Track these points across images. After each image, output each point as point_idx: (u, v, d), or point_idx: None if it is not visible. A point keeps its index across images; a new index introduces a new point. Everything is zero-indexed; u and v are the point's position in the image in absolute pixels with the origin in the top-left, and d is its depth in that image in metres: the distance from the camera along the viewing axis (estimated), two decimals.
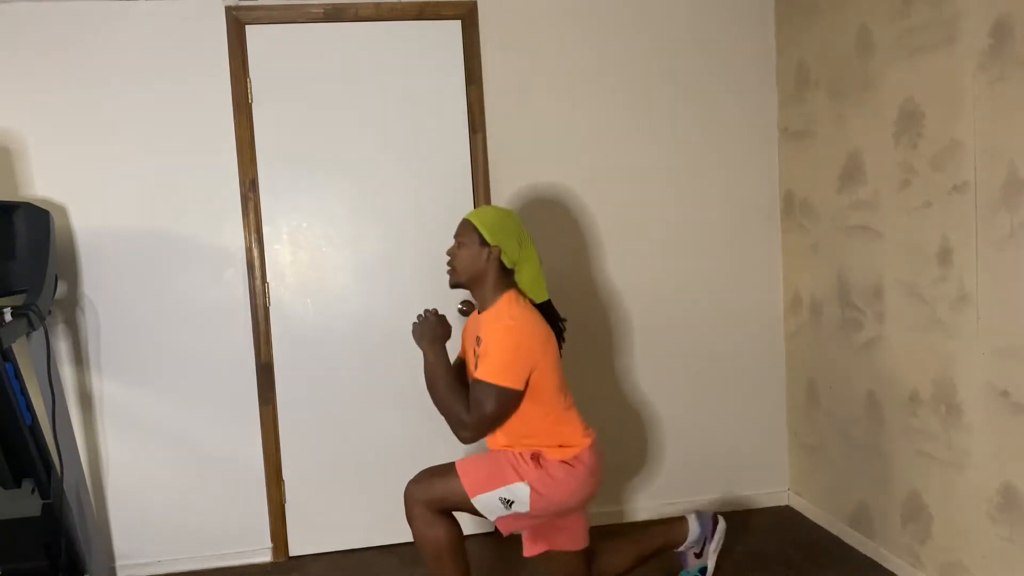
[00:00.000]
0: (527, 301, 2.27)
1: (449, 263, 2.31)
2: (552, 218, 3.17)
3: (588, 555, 2.43)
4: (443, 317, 2.33)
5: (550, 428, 2.24)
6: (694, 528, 2.58)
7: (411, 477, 2.26)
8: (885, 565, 2.76)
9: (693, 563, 2.62)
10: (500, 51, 3.11)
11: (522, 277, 2.29)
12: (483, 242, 2.23)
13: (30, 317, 2.47)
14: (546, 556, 2.40)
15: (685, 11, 3.21)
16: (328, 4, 3.01)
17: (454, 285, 2.32)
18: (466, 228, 2.28)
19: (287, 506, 3.13)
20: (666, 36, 3.21)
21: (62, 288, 2.93)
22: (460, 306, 3.04)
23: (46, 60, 2.88)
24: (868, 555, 2.85)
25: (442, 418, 2.22)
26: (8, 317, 2.41)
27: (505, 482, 2.19)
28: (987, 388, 2.24)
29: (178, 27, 2.95)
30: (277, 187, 3.05)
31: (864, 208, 2.76)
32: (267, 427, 3.08)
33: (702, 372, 3.33)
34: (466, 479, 2.20)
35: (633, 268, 3.25)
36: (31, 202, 2.67)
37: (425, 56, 3.09)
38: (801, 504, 3.32)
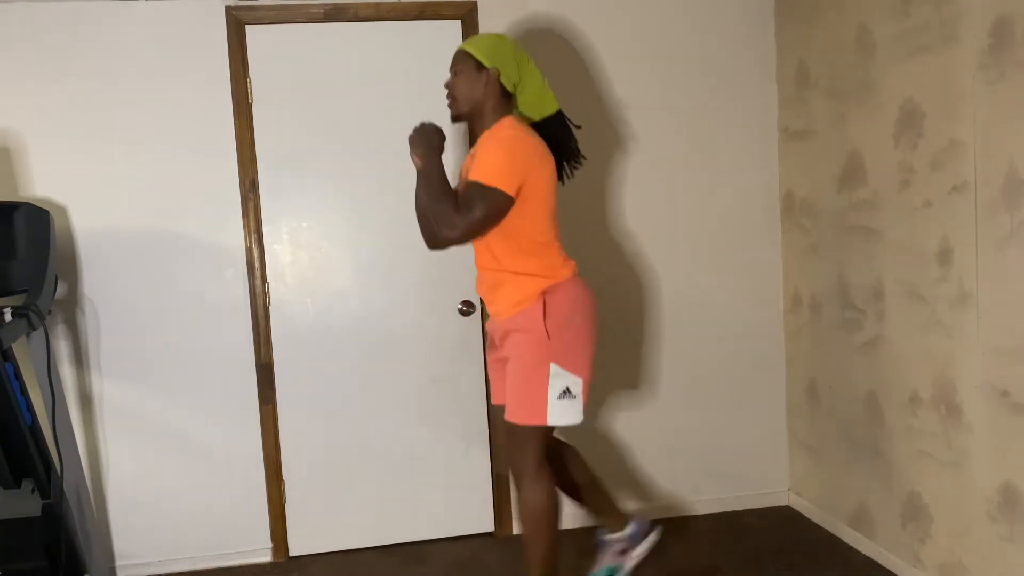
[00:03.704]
0: (527, 126, 2.22)
1: (448, 95, 2.25)
2: None
3: (568, 453, 2.47)
4: (439, 128, 2.24)
5: (536, 250, 2.19)
6: (631, 528, 2.56)
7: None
8: (885, 565, 2.76)
9: (613, 560, 2.56)
10: None
11: (526, 95, 2.22)
12: (480, 67, 2.18)
13: (30, 317, 2.47)
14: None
15: (685, 12, 3.21)
16: (328, 4, 3.01)
17: (455, 117, 2.26)
18: (461, 56, 2.22)
19: (287, 506, 3.13)
20: (666, 36, 3.21)
21: (62, 288, 2.93)
22: (460, 307, 3.04)
23: (46, 60, 2.88)
24: (868, 555, 2.85)
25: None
26: (8, 317, 2.41)
27: (544, 385, 2.12)
28: (987, 388, 2.24)
29: (178, 27, 2.95)
30: (277, 187, 3.05)
31: (864, 208, 2.76)
32: (267, 427, 3.08)
33: (702, 372, 3.33)
34: (525, 418, 2.14)
35: (633, 268, 3.25)
36: (31, 202, 2.67)
37: (425, 56, 3.09)
38: (801, 504, 3.32)
